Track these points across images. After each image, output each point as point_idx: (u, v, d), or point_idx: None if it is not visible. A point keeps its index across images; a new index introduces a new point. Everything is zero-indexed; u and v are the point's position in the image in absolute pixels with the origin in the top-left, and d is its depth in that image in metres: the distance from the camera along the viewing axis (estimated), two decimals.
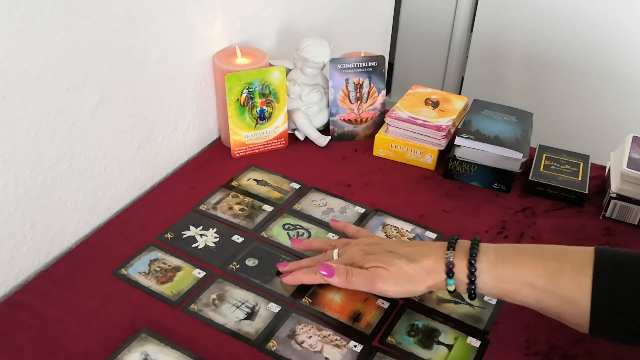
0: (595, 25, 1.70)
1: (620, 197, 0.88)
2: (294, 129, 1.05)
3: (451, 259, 0.65)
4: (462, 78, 2.06)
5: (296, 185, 0.94)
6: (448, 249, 0.66)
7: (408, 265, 0.67)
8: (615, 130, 1.52)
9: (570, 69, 1.78)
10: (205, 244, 0.82)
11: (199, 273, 0.77)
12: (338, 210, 0.89)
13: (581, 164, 0.97)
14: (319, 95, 1.03)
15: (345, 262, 0.71)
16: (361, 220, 0.87)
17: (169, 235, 0.83)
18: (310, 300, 0.74)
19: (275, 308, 0.73)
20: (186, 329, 0.70)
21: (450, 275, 0.65)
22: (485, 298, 0.75)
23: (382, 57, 1.04)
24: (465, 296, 0.68)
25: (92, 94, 0.78)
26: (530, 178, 0.94)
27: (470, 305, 0.74)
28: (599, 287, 0.58)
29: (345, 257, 0.72)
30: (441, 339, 0.70)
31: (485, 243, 0.67)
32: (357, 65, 1.02)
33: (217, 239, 0.83)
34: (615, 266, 0.59)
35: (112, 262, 0.78)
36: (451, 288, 0.66)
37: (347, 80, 1.03)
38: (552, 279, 0.61)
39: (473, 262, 0.64)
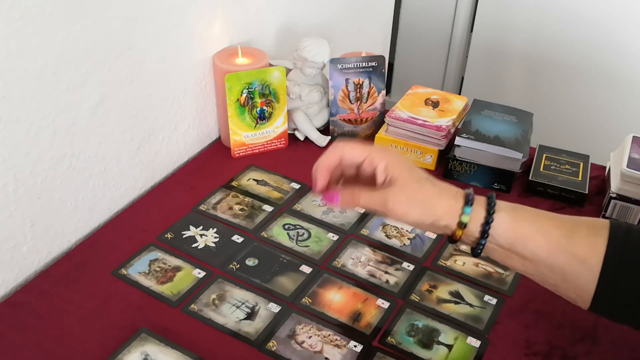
0: (595, 25, 1.70)
1: (620, 197, 0.88)
2: (294, 129, 1.05)
3: (471, 192, 0.61)
4: (462, 78, 2.06)
5: (296, 185, 0.94)
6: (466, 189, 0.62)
7: (426, 186, 0.61)
8: (615, 130, 1.52)
9: (570, 69, 1.78)
10: (205, 244, 0.82)
11: (199, 273, 0.77)
12: (338, 210, 0.89)
13: (581, 164, 0.97)
14: (319, 95, 1.03)
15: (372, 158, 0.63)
16: (361, 220, 0.87)
17: (169, 235, 0.83)
18: (310, 300, 0.74)
19: (275, 308, 0.73)
20: (186, 329, 0.70)
21: (469, 203, 0.60)
22: (485, 298, 0.75)
23: (382, 57, 1.04)
24: (474, 246, 0.62)
25: (92, 94, 0.78)
26: (530, 178, 0.94)
27: (470, 305, 0.75)
28: (612, 250, 0.57)
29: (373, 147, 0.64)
30: (441, 339, 0.70)
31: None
32: (357, 65, 1.02)
33: (217, 239, 0.83)
34: (630, 235, 0.58)
35: (112, 262, 0.78)
36: (466, 218, 0.59)
37: (347, 80, 1.03)
38: (568, 233, 0.59)
39: (493, 197, 0.60)
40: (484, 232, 0.59)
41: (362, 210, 0.89)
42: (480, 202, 0.60)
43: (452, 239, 0.61)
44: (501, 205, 0.60)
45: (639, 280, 0.56)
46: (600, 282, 0.57)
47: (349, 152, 0.63)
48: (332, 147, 0.63)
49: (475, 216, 0.60)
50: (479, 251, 0.61)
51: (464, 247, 0.84)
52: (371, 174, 0.63)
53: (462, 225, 0.60)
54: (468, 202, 0.60)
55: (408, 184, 0.61)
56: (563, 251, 0.59)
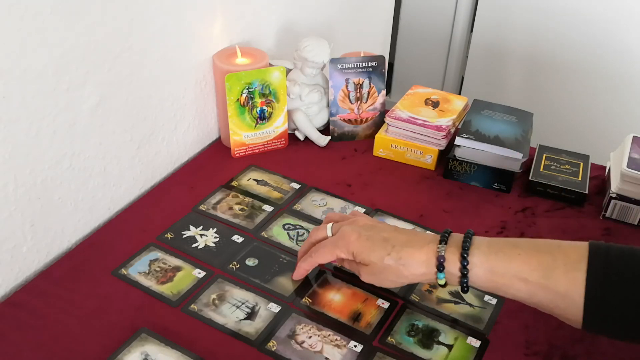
0: (595, 25, 1.70)
1: (620, 197, 0.88)
2: (294, 129, 1.05)
3: (442, 253, 0.64)
4: (462, 78, 2.06)
5: (296, 185, 0.94)
6: (440, 242, 0.66)
7: (397, 261, 0.67)
8: (615, 130, 1.52)
9: (570, 69, 1.78)
10: (205, 244, 0.82)
11: (199, 273, 0.77)
12: (338, 210, 0.89)
13: (581, 164, 0.97)
14: (319, 95, 1.03)
15: (338, 244, 0.70)
16: None
17: (169, 235, 0.83)
18: (310, 300, 0.74)
19: (275, 308, 0.73)
20: (186, 329, 0.70)
21: (441, 269, 0.65)
22: (486, 298, 0.75)
23: (382, 57, 1.04)
24: (459, 289, 0.67)
25: (92, 94, 0.78)
26: (530, 178, 0.94)
27: (470, 305, 0.75)
28: (592, 282, 0.58)
29: (338, 239, 0.71)
30: (441, 339, 0.70)
31: (479, 237, 0.66)
32: (357, 65, 1.02)
33: (217, 239, 0.83)
34: (609, 262, 0.59)
35: (112, 262, 0.78)
36: (441, 282, 0.66)
37: (347, 80, 1.03)
38: (545, 273, 0.60)
39: (465, 255, 0.63)
40: (463, 287, 0.65)
41: (363, 210, 0.89)
42: (452, 261, 0.64)
43: None
44: (474, 259, 0.64)
45: (624, 299, 0.57)
46: (586, 312, 0.59)
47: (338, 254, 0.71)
48: (328, 249, 0.71)
49: (450, 278, 0.65)
50: (465, 290, 0.66)
51: None
52: None
53: (440, 285, 0.66)
54: (439, 267, 0.65)
55: (374, 269, 0.68)
56: (544, 290, 0.61)
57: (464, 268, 0.63)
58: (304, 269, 0.75)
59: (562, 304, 0.60)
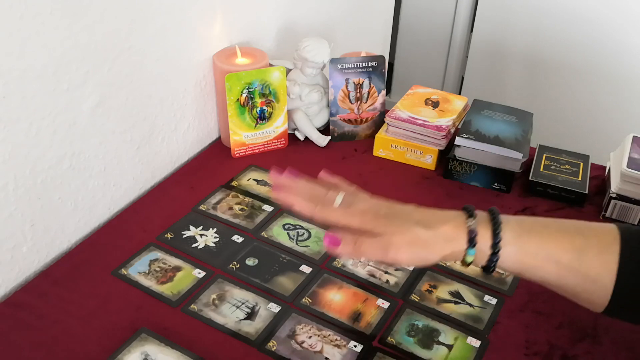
0: (595, 25, 1.70)
1: (620, 197, 0.88)
2: (294, 129, 1.05)
3: (474, 227, 0.58)
4: (462, 78, 2.06)
5: None
6: (468, 217, 0.59)
7: (425, 231, 0.59)
8: (615, 130, 1.52)
9: (570, 69, 1.78)
10: (205, 244, 0.82)
11: (199, 273, 0.77)
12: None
13: (581, 164, 0.97)
14: (319, 95, 1.03)
15: (353, 216, 0.61)
16: None
17: (169, 235, 0.83)
18: (310, 300, 0.74)
19: (275, 308, 0.73)
20: (186, 329, 0.70)
21: (473, 244, 0.58)
22: (485, 298, 0.75)
23: (382, 57, 1.04)
24: (482, 269, 0.61)
25: (92, 94, 0.78)
26: (530, 178, 0.94)
27: (470, 305, 0.75)
28: (625, 266, 0.56)
29: (352, 212, 0.61)
30: (441, 339, 0.70)
31: (504, 214, 0.60)
32: (357, 65, 1.02)
33: (217, 239, 0.83)
34: None
35: (112, 262, 0.78)
36: (470, 259, 0.59)
37: (347, 80, 1.03)
38: (578, 255, 0.57)
39: (498, 232, 0.58)
40: (490, 267, 0.59)
41: None
42: (484, 237, 0.58)
43: None
44: (507, 236, 0.58)
45: None
46: (614, 297, 0.57)
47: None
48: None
49: (479, 255, 0.59)
50: (491, 270, 0.60)
51: None
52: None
53: (466, 264, 0.59)
54: (471, 243, 0.58)
55: (408, 230, 0.59)
56: (574, 274, 0.57)
57: (495, 245, 0.58)
58: (294, 203, 0.62)
59: (590, 288, 0.57)
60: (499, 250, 0.58)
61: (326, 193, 0.63)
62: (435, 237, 0.59)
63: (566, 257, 0.57)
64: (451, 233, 0.59)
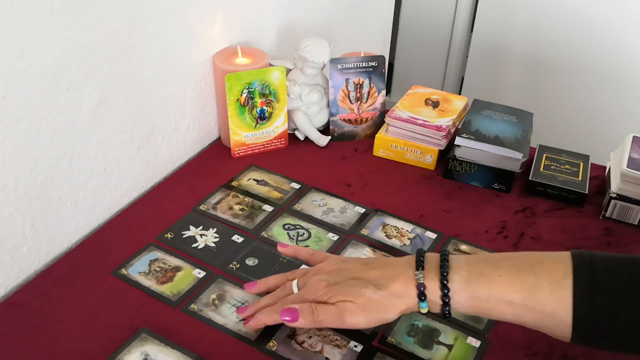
0: (595, 25, 1.70)
1: (620, 197, 0.88)
2: (294, 129, 1.05)
3: (422, 281, 0.61)
4: (462, 78, 2.06)
5: (296, 185, 0.94)
6: (417, 269, 0.62)
7: (376, 293, 0.62)
8: (615, 130, 1.52)
9: (570, 69, 1.78)
10: (205, 244, 0.82)
11: (199, 273, 0.77)
12: (338, 210, 0.89)
13: (581, 164, 0.97)
14: (319, 95, 1.03)
15: (307, 297, 0.65)
16: (361, 221, 0.87)
17: (169, 235, 0.83)
18: None
19: None
20: (186, 329, 0.70)
21: (422, 298, 0.61)
22: None
23: (382, 57, 1.04)
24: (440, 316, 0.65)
25: (92, 94, 0.78)
26: (530, 178, 0.94)
27: None
28: (579, 299, 0.56)
29: (306, 291, 0.66)
30: (441, 339, 0.70)
31: (456, 256, 0.63)
32: (357, 65, 1.02)
33: (217, 239, 0.83)
34: (595, 274, 0.57)
35: (112, 262, 0.78)
36: (424, 310, 0.62)
37: (347, 80, 1.03)
38: (530, 294, 0.58)
39: (445, 282, 0.60)
40: (445, 314, 0.62)
41: (362, 210, 0.89)
42: (432, 289, 0.61)
43: None
44: (455, 285, 0.61)
45: (612, 312, 0.56)
46: (575, 330, 0.57)
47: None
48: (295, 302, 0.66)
49: (432, 306, 0.62)
50: (447, 317, 0.63)
51: (463, 247, 0.84)
52: None
53: (422, 314, 0.63)
54: (421, 297, 0.61)
55: (360, 295, 0.62)
56: (530, 311, 0.59)
57: (445, 296, 0.60)
58: (262, 321, 0.67)
59: (550, 323, 0.59)
60: (449, 300, 0.61)
61: (283, 287, 0.69)
62: (388, 296, 0.62)
63: (518, 297, 0.59)
64: (402, 290, 0.62)
